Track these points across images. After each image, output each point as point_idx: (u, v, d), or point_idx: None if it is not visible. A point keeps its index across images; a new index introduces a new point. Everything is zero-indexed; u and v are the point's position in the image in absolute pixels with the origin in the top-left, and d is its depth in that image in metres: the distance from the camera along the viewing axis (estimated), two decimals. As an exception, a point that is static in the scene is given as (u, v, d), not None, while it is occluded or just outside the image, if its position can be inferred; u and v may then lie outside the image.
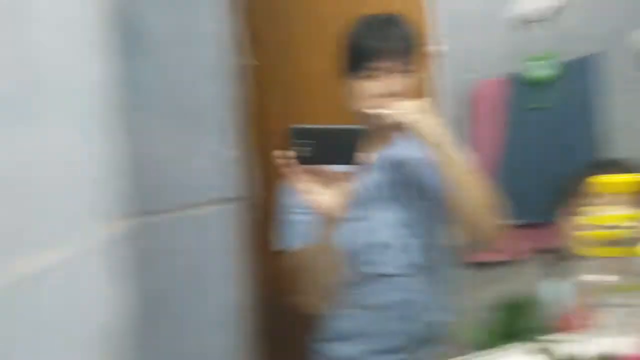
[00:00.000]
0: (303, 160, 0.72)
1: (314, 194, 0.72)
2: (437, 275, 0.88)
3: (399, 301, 0.84)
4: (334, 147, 0.73)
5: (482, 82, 1.13)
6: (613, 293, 0.64)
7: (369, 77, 0.82)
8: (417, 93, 0.85)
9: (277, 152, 0.70)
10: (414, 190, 0.87)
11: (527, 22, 1.13)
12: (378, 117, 0.80)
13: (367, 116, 0.81)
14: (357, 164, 0.72)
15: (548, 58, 1.12)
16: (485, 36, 1.13)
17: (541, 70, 1.12)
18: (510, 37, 1.12)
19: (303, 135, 0.72)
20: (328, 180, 0.73)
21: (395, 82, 0.81)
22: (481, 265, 1.13)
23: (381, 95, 0.81)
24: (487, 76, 1.13)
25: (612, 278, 0.66)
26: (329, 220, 0.74)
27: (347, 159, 0.73)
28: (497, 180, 1.03)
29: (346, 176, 0.73)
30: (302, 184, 0.72)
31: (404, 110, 0.80)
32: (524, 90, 1.13)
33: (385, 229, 0.84)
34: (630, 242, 0.65)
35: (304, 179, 0.72)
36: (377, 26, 0.84)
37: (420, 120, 0.79)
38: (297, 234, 0.83)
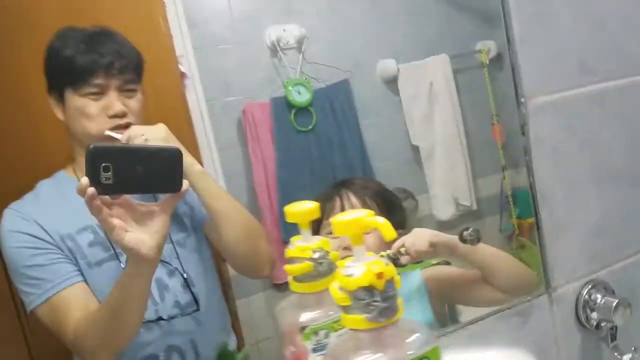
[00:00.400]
0: (105, 188, 0.57)
1: (120, 233, 0.59)
2: (215, 309, 0.80)
3: (177, 346, 0.75)
4: (146, 172, 0.59)
5: (248, 104, 1.08)
6: (310, 334, 0.61)
7: (88, 94, 0.72)
8: (148, 116, 0.77)
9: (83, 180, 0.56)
10: (180, 220, 0.79)
11: (277, 49, 1.09)
12: (110, 140, 0.71)
13: (96, 139, 0.71)
14: (175, 191, 0.61)
15: (303, 84, 1.11)
16: (243, 60, 1.08)
17: (299, 95, 1.12)
18: (267, 62, 1.09)
19: (104, 156, 0.57)
20: (139, 214, 0.61)
21: (118, 101, 0.73)
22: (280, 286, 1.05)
23: (108, 116, 0.72)
24: (252, 99, 1.09)
25: (311, 316, 0.62)
26: (140, 266, 0.62)
27: (163, 186, 0.61)
28: (277, 200, 1.02)
29: (162, 208, 0.62)
30: (105, 220, 0.58)
31: (140, 134, 0.71)
32: (286, 113, 1.11)
33: None
34: (318, 274, 0.62)
35: (106, 213, 0.58)
36: (90, 40, 0.73)
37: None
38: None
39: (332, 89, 1.14)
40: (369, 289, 0.51)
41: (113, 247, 0.75)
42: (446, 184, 1.10)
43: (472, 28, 1.12)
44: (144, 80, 0.82)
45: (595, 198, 1.08)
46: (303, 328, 0.60)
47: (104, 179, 0.58)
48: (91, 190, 0.58)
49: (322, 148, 1.13)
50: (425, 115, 1.10)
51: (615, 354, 1.05)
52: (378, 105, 1.17)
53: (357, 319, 0.53)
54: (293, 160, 1.12)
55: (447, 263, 1.02)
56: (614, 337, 1.04)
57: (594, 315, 1.05)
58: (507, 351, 0.99)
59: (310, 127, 1.12)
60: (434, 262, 0.97)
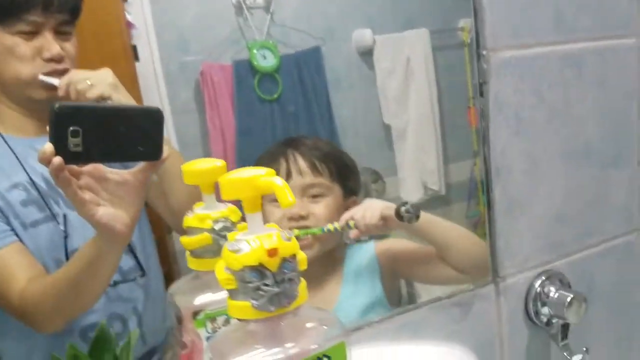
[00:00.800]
0: (74, 157, 0.50)
1: (92, 208, 0.53)
2: (160, 278, 0.76)
3: (120, 314, 0.71)
4: (121, 137, 0.52)
5: (207, 65, 0.98)
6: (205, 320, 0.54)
7: (19, 33, 0.64)
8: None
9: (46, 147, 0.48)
10: None
11: (243, 7, 1.00)
12: (48, 87, 0.64)
13: (27, 84, 0.65)
14: (154, 159, 0.55)
15: (269, 48, 1.03)
16: (205, 15, 0.98)
17: (264, 60, 1.03)
18: (231, 21, 0.99)
19: (73, 118, 0.49)
20: (111, 184, 0.55)
21: (55, 43, 0.65)
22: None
23: (44, 59, 0.65)
24: (212, 60, 0.99)
25: (208, 298, 0.54)
26: (113, 243, 0.57)
27: (140, 154, 0.55)
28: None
29: (137, 178, 0.57)
30: (74, 193, 0.52)
31: (84, 80, 0.63)
32: (249, 79, 1.02)
33: (85, 230, 0.63)
34: (219, 249, 0.51)
35: (75, 186, 0.52)
36: None
37: (111, 96, 0.65)
38: None
39: (301, 56, 1.07)
40: (259, 269, 0.43)
41: (49, 207, 0.68)
42: (416, 167, 1.06)
43: (455, 3, 1.04)
44: (83, 25, 0.73)
45: (560, 177, 0.94)
46: (196, 313, 0.53)
47: (72, 145, 0.50)
48: (57, 160, 0.51)
49: (286, 120, 1.06)
50: (400, 92, 1.05)
51: (565, 353, 0.94)
52: (351, 78, 1.10)
53: (242, 307, 0.44)
54: (254, 131, 1.04)
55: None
56: (565, 336, 0.95)
57: (545, 310, 0.96)
58: (442, 346, 0.87)
59: (275, 96, 1.04)
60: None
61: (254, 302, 0.43)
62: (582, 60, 0.94)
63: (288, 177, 0.86)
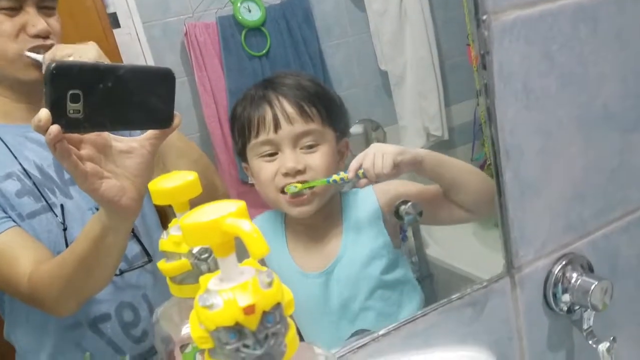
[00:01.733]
0: (73, 124, 0.45)
1: (94, 182, 0.49)
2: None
3: (129, 302, 0.68)
4: (127, 101, 0.47)
5: (190, 25, 0.94)
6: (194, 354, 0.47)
7: (1, 9, 0.61)
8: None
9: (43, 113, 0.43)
10: None
11: None
12: (36, 66, 0.61)
13: (13, 62, 0.62)
14: (165, 127, 0.50)
15: (253, 0, 0.99)
16: None
17: (249, 14, 0.99)
18: None
19: (72, 80, 0.43)
20: (116, 153, 0.51)
21: (40, 18, 0.62)
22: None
23: (30, 35, 0.62)
24: (196, 19, 0.94)
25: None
26: (119, 219, 0.53)
27: (149, 121, 0.49)
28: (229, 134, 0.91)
29: (144, 146, 0.52)
30: (74, 166, 0.48)
31: (68, 55, 0.59)
32: (235, 35, 0.99)
33: (84, 219, 0.62)
34: (194, 276, 0.47)
35: (75, 157, 0.48)
36: None
37: None
38: None
39: (287, 5, 1.02)
40: (237, 329, 0.36)
41: (44, 197, 0.66)
42: (417, 113, 1.03)
43: None
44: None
45: (578, 151, 0.83)
46: (184, 346, 0.48)
47: (71, 111, 0.45)
48: (55, 128, 0.46)
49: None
50: (395, 34, 1.01)
51: (590, 342, 0.85)
52: (341, 23, 1.06)
53: None
54: (244, 87, 0.94)
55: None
56: (589, 323, 0.85)
57: (566, 297, 0.86)
58: (456, 352, 0.77)
59: (264, 51, 1.01)
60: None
61: None
62: (598, 12, 0.81)
63: (277, 127, 0.78)
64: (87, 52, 0.63)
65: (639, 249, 0.94)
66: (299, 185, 0.78)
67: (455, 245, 0.97)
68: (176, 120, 0.53)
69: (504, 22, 0.73)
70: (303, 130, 0.79)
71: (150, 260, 0.71)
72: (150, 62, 0.87)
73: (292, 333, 0.39)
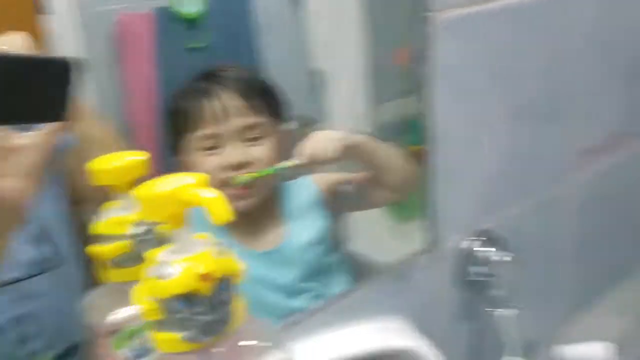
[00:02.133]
0: None
1: None
2: (79, 263, 0.65)
3: (21, 315, 0.60)
4: (20, 93, 0.43)
5: (124, 15, 0.90)
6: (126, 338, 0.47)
7: None
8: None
9: None
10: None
11: None
12: None
13: None
14: (57, 120, 0.46)
15: None
16: None
17: (189, 6, 0.94)
18: None
19: None
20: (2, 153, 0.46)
21: None
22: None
23: None
24: (132, 9, 0.90)
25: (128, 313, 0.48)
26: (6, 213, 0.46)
27: (43, 114, 0.45)
28: (157, 127, 0.87)
29: (36, 142, 0.47)
30: None
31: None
32: (174, 27, 0.94)
33: None
34: (133, 258, 0.48)
35: None
36: None
37: None
38: None
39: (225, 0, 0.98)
40: (189, 297, 0.37)
41: None
42: (346, 111, 1.01)
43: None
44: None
45: (504, 138, 0.89)
46: (113, 331, 0.46)
47: None
48: None
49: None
50: (328, 35, 0.99)
51: (499, 311, 0.95)
52: (280, 20, 1.02)
53: (170, 339, 0.39)
54: (179, 82, 0.94)
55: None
56: (499, 293, 0.96)
57: (481, 270, 0.94)
58: (379, 322, 0.84)
59: (203, 44, 0.96)
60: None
61: (184, 333, 0.38)
62: (526, 14, 0.87)
63: (221, 120, 0.78)
64: (13, 44, 0.58)
65: (546, 229, 1.05)
66: (247, 175, 0.77)
67: (374, 238, 0.99)
68: (74, 113, 0.48)
69: (447, 20, 0.77)
70: (249, 123, 0.78)
71: (52, 266, 0.64)
72: (83, 51, 0.82)
73: (241, 304, 0.41)
